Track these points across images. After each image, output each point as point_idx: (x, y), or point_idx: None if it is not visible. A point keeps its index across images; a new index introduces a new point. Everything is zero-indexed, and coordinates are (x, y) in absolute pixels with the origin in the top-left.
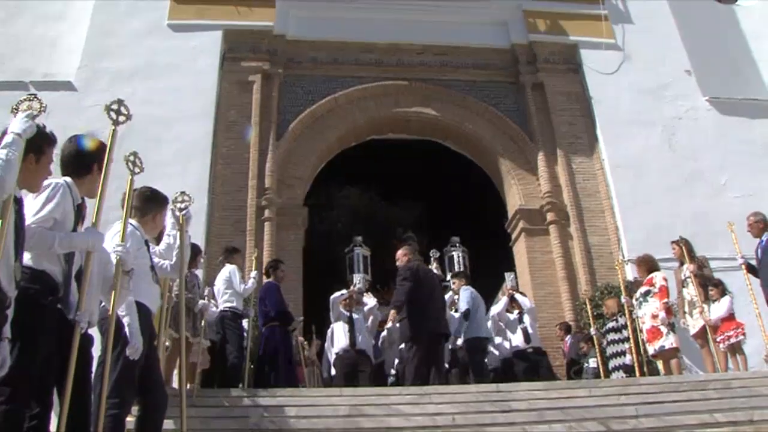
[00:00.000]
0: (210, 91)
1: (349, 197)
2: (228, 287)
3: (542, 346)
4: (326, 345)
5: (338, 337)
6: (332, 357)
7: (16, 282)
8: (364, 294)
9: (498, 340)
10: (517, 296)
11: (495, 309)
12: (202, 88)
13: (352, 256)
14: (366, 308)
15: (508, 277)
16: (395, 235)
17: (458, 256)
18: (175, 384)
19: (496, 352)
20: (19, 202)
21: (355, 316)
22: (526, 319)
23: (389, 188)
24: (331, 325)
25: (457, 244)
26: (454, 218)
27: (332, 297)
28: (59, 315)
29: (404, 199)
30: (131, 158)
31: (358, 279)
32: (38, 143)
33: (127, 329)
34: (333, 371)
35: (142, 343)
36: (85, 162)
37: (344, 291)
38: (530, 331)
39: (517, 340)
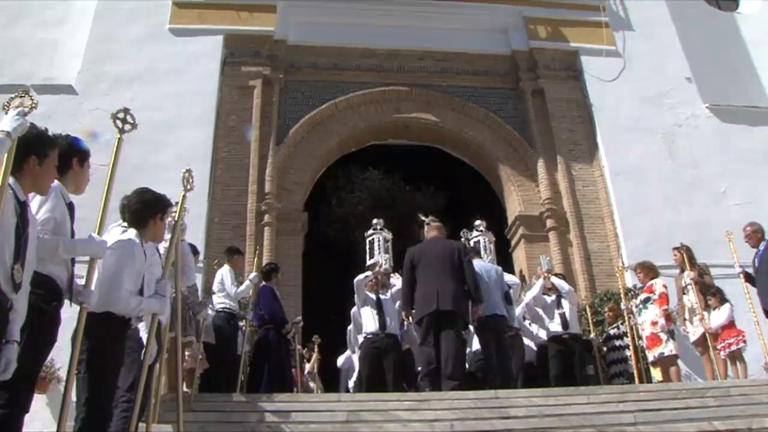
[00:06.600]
0: (210, 96)
1: (372, 179)
2: (221, 289)
3: (579, 333)
4: (348, 331)
5: (367, 321)
6: (360, 341)
7: (14, 284)
8: (391, 275)
9: (534, 328)
10: (554, 279)
11: (530, 293)
12: (203, 92)
13: (372, 240)
14: (394, 289)
15: (544, 259)
16: (416, 221)
17: (485, 241)
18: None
19: (531, 344)
20: (23, 206)
21: (382, 297)
22: (565, 303)
23: (412, 173)
24: (354, 310)
25: (483, 229)
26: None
27: (356, 280)
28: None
29: (428, 186)
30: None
31: (384, 259)
32: (39, 146)
33: (142, 334)
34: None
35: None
36: (63, 159)
37: (368, 273)
38: (568, 316)
39: (554, 326)
